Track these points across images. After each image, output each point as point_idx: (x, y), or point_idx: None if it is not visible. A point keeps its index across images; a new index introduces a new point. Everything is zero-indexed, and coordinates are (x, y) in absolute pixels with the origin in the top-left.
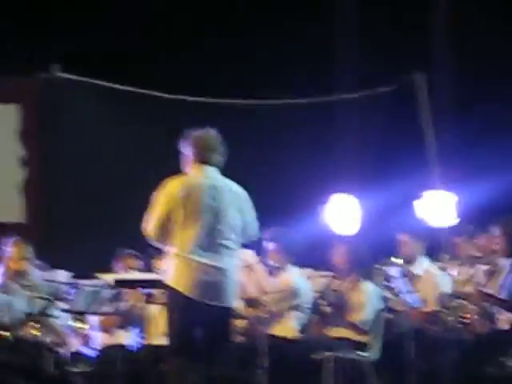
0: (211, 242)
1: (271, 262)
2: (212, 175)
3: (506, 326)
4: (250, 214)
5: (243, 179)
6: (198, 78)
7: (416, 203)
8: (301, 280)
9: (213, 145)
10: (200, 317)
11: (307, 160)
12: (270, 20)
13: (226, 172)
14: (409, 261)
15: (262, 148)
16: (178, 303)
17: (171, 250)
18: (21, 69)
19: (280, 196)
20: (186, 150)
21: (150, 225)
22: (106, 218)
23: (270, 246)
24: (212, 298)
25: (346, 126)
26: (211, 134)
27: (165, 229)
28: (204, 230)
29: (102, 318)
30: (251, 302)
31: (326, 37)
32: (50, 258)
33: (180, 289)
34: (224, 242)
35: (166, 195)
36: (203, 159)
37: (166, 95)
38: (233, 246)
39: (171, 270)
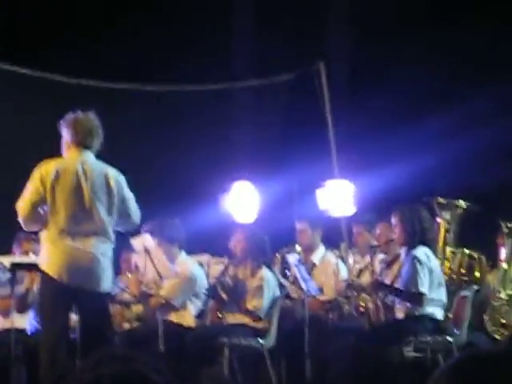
0: (82, 226)
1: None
2: (87, 159)
3: (401, 316)
4: (129, 201)
5: (139, 167)
6: (96, 63)
7: (318, 192)
8: (195, 267)
9: (90, 128)
10: (72, 302)
11: (207, 148)
12: (169, 5)
13: (124, 158)
14: (307, 249)
15: (161, 136)
16: (48, 287)
17: (43, 233)
18: None
19: (179, 184)
20: (64, 132)
21: (21, 206)
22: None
23: None
24: (83, 283)
25: (246, 114)
26: (89, 117)
27: (35, 211)
28: (75, 214)
29: None
30: (143, 298)
31: (224, 25)
32: None
33: (50, 272)
34: (96, 227)
35: (38, 177)
36: (80, 142)
37: (53, 77)
38: (105, 232)
39: (43, 253)
